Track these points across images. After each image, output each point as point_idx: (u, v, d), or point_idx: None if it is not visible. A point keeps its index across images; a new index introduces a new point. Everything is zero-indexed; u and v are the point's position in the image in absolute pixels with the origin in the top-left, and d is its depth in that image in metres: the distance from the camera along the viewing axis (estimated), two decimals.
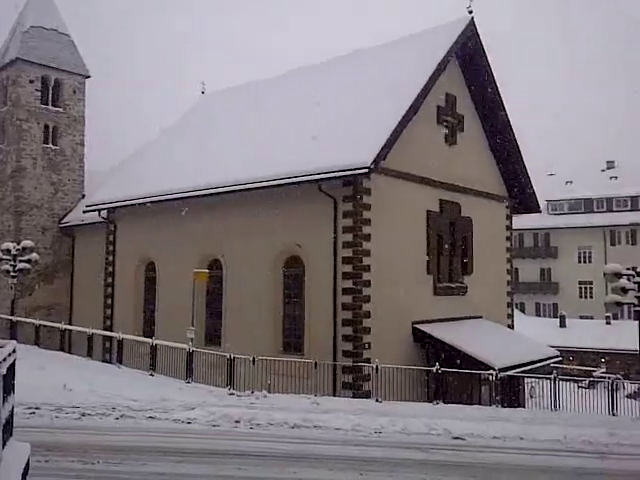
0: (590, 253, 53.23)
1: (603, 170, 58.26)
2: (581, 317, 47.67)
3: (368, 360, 17.18)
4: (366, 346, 17.52)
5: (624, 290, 19.72)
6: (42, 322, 24.62)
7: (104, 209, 25.98)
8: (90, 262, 28.88)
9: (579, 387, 18.70)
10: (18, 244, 24.58)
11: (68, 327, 24.48)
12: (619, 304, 20.13)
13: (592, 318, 46.93)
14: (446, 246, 21.17)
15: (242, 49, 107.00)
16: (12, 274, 23.84)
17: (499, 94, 22.65)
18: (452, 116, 21.59)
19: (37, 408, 12.05)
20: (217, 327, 21.48)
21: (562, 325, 42.85)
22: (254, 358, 17.02)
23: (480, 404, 16.59)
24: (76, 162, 32.58)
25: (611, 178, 56.03)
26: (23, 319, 25.43)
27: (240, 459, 9.33)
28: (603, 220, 52.74)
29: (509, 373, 17.55)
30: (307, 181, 18.18)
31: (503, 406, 16.25)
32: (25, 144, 30.79)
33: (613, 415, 16.44)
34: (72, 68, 32.46)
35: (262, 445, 10.30)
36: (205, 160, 22.97)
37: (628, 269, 20.27)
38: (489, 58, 21.99)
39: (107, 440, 10.15)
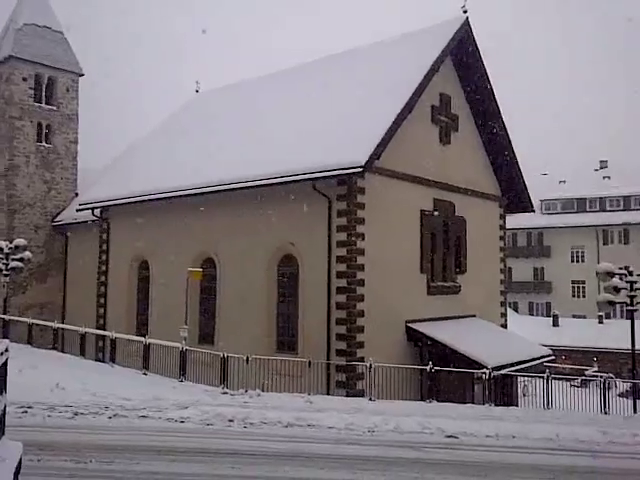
0: (583, 252, 53.47)
1: (596, 170, 58.52)
2: (574, 316, 47.89)
3: (362, 359, 17.20)
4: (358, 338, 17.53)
5: (616, 289, 19.84)
6: (35, 321, 24.51)
7: (97, 207, 25.89)
8: (83, 261, 28.79)
9: (571, 386, 18.80)
10: (11, 242, 24.48)
11: (61, 326, 24.40)
12: (611, 303, 20.25)
13: (585, 317, 47.18)
14: (440, 245, 21.22)
15: (241, 48, 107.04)
16: (5, 272, 23.74)
17: (493, 94, 22.70)
18: (446, 116, 21.63)
19: (29, 407, 12.01)
20: (211, 326, 21.45)
21: (555, 324, 43.04)
22: (248, 357, 17.01)
23: (473, 403, 16.64)
24: (69, 160, 32.47)
25: (604, 178, 56.29)
26: (16, 318, 25.34)
27: (233, 458, 9.33)
28: (596, 220, 52.99)
29: (502, 372, 17.61)
30: (301, 180, 18.17)
31: (496, 405, 16.29)
32: (18, 142, 30.65)
33: (605, 413, 16.53)
34: (65, 66, 32.33)
35: (255, 444, 10.30)
36: (199, 158, 22.92)
37: (620, 268, 20.39)
38: (485, 58, 22.05)
39: (100, 439, 10.13)
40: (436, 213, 20.84)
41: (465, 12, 21.08)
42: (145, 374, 18.60)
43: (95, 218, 26.38)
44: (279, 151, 19.92)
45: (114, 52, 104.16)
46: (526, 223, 52.33)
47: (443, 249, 21.45)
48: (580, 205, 55.00)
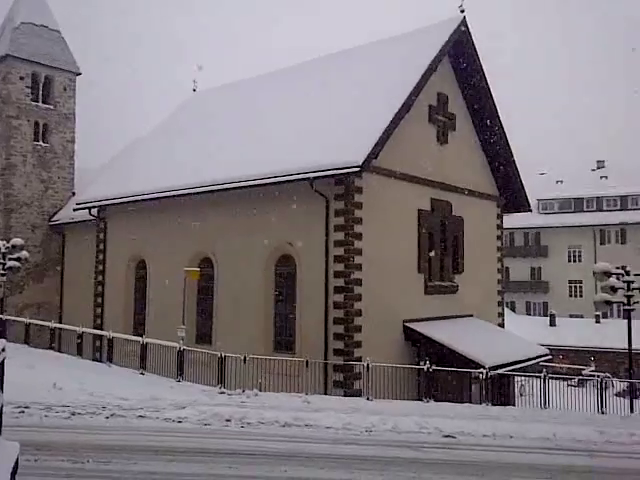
0: (580, 252, 53.59)
1: (593, 170, 58.65)
2: (571, 316, 47.99)
3: (359, 359, 17.20)
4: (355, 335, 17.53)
5: (613, 289, 19.91)
6: (32, 321, 24.48)
7: (94, 207, 25.85)
8: (80, 260, 28.76)
9: (568, 385, 18.85)
10: (8, 242, 24.45)
11: (58, 326, 24.36)
12: (608, 303, 20.33)
13: (582, 317, 47.29)
14: (437, 245, 21.23)
15: (239, 48, 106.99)
16: (1, 272, 23.71)
17: (491, 93, 22.72)
18: (444, 115, 21.64)
19: (26, 407, 11.98)
20: (208, 326, 21.43)
21: (552, 324, 43.09)
22: (245, 357, 17.00)
23: (470, 402, 16.66)
24: (66, 160, 32.42)
25: (601, 178, 56.41)
26: (13, 317, 25.30)
27: (231, 458, 9.33)
28: (593, 219, 53.11)
29: (499, 371, 17.64)
30: (299, 179, 18.16)
31: (493, 404, 16.32)
32: (15, 141, 30.60)
33: (602, 413, 16.57)
34: (63, 65, 32.28)
35: (253, 444, 10.30)
36: (196, 158, 22.89)
37: (617, 268, 20.47)
38: (485, 58, 22.09)
39: (97, 439, 10.11)
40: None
41: (462, 12, 21.08)
42: (142, 374, 18.58)
43: (92, 217, 26.32)
44: (277, 151, 19.91)
45: (113, 52, 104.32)
46: (523, 223, 52.43)
47: (440, 249, 21.46)
48: (577, 205, 55.12)
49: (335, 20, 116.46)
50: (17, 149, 30.61)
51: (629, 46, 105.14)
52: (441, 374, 16.86)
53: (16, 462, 5.70)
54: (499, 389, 18.11)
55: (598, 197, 54.26)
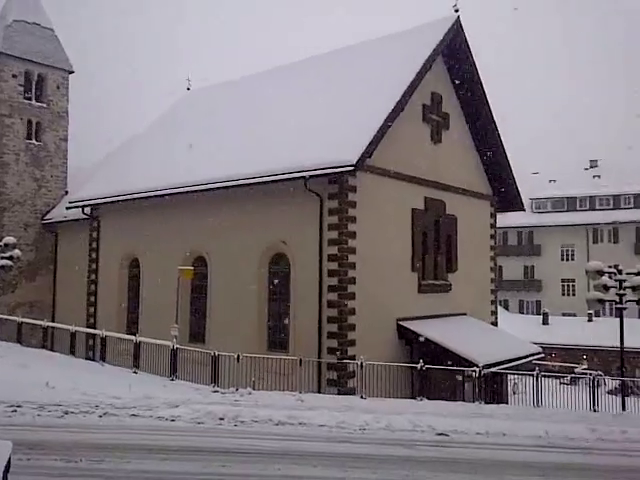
0: (573, 251, 53.82)
1: (586, 169, 58.91)
2: (564, 314, 48.22)
3: (353, 357, 17.23)
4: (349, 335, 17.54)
5: (606, 287, 20.02)
6: (24, 319, 24.36)
7: (87, 205, 25.76)
8: (73, 259, 28.65)
9: (561, 383, 18.95)
10: (0, 240, 24.31)
11: (51, 324, 24.26)
12: (601, 301, 20.44)
13: (574, 315, 47.51)
14: (431, 244, 21.27)
15: (235, 46, 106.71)
16: None
17: (484, 93, 22.78)
18: (437, 114, 21.68)
19: (19, 406, 11.93)
20: (201, 324, 21.41)
21: (545, 322, 43.28)
22: (239, 355, 16.99)
23: (464, 400, 16.71)
24: (59, 158, 32.29)
25: (594, 177, 56.67)
26: (5, 316, 25.18)
27: (224, 456, 9.33)
28: (586, 218, 53.35)
29: (492, 370, 17.70)
30: (293, 178, 18.16)
31: (486, 402, 16.38)
32: (8, 139, 30.44)
33: (594, 411, 16.66)
34: (56, 63, 32.14)
35: (246, 442, 10.30)
36: (190, 157, 22.83)
37: (610, 267, 20.57)
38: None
39: (90, 438, 10.09)
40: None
41: (457, 11, 21.12)
42: (135, 373, 18.54)
43: (85, 216, 26.24)
44: (271, 150, 19.89)
45: (112, 51, 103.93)
46: (517, 222, 52.59)
47: (434, 247, 21.50)
48: (570, 204, 55.36)
49: (334, 19, 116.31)
50: (10, 147, 30.46)
51: (629, 46, 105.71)
52: (434, 372, 16.90)
53: (8, 461, 5.69)
54: (492, 387, 18.17)
55: (591, 196, 54.51)
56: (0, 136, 30.23)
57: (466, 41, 21.60)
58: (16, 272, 28.39)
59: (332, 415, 12.57)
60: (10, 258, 23.72)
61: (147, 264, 23.71)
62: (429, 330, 19.05)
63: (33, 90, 31.48)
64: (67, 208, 26.79)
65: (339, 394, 16.82)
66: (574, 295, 52.06)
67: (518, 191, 25.35)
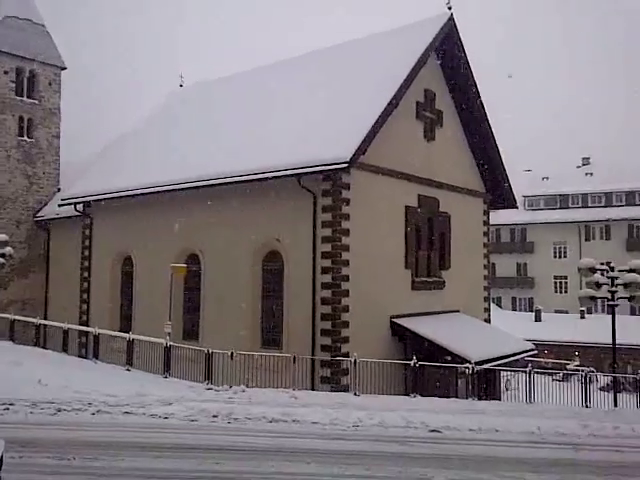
0: (565, 248, 54.08)
1: (578, 167, 59.17)
2: (556, 311, 48.46)
3: (346, 354, 17.25)
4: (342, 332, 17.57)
5: (598, 284, 20.11)
6: (17, 317, 24.27)
7: (80, 203, 25.65)
8: (66, 256, 28.52)
9: (553, 380, 18.99)
10: None
11: (43, 322, 24.17)
12: (593, 298, 20.53)
13: (567, 312, 47.76)
14: (424, 241, 21.31)
15: (236, 47, 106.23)
16: None
17: (478, 91, 22.80)
18: (431, 112, 21.70)
19: (11, 404, 11.89)
20: (195, 322, 21.37)
21: (537, 319, 43.49)
22: (232, 353, 16.98)
23: (457, 397, 16.77)
24: (52, 155, 32.10)
25: (586, 174, 56.93)
26: None
27: (218, 454, 9.33)
28: (578, 216, 53.60)
29: (485, 366, 17.76)
30: (287, 175, 18.13)
31: (479, 399, 16.45)
32: None
33: (586, 407, 16.75)
34: (48, 59, 31.91)
35: (240, 439, 10.31)
36: (182, 153, 22.77)
37: (602, 264, 20.68)
38: (474, 55, 22.15)
39: (83, 436, 10.07)
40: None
41: (450, 8, 21.14)
42: (129, 370, 18.51)
43: (78, 213, 26.12)
44: (264, 146, 19.86)
45: (112, 50, 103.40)
46: (510, 219, 52.78)
47: (427, 245, 21.55)
48: (563, 201, 55.61)
49: (334, 19, 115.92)
50: (1, 144, 30.23)
51: (629, 46, 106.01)
52: (428, 369, 16.95)
53: (1, 459, 5.68)
54: (485, 384, 18.23)
55: (583, 194, 54.77)
56: None
57: (459, 38, 21.61)
58: (8, 270, 28.20)
59: (325, 412, 12.60)
60: (2, 255, 23.57)
61: (140, 261, 23.64)
62: (422, 327, 19.10)
63: (25, 86, 31.26)
64: (59, 205, 26.66)
65: (332, 391, 16.84)
66: (566, 292, 52.34)
67: (511, 188, 25.43)
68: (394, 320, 19.33)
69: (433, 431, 11.77)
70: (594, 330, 35.38)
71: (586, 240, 53.00)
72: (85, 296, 25.67)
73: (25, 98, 31.23)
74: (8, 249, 23.84)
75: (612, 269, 20.30)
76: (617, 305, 20.07)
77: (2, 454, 5.73)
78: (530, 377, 16.93)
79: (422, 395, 16.30)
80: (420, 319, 19.74)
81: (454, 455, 10.08)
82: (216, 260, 20.80)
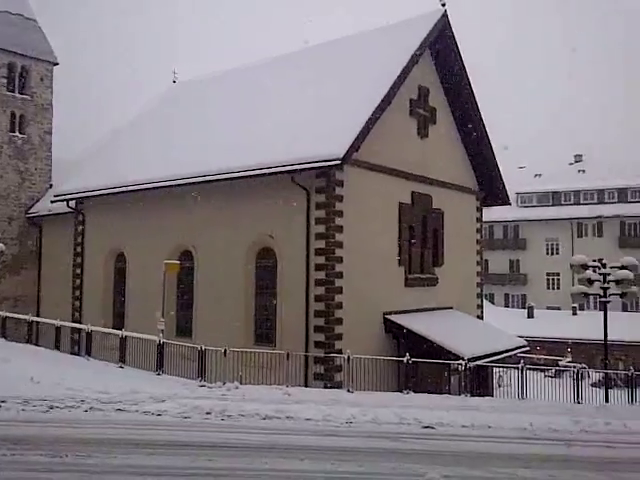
0: (557, 245, 54.32)
1: (571, 164, 59.39)
2: (548, 308, 48.69)
3: (340, 351, 17.27)
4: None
5: (590, 281, 20.21)
6: (9, 314, 24.16)
7: (72, 199, 25.53)
8: (58, 253, 28.39)
9: (546, 376, 19.13)
10: None
11: (35, 319, 24.08)
12: (585, 295, 20.65)
13: (559, 309, 47.98)
14: (418, 238, 21.34)
15: (236, 47, 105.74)
16: None
17: (471, 88, 22.83)
18: (424, 109, 21.71)
19: (3, 401, 11.83)
20: (188, 319, 21.34)
21: (530, 316, 43.68)
22: (226, 349, 16.97)
23: (450, 393, 16.82)
24: (44, 151, 31.94)
25: (579, 171, 57.15)
26: None
27: (211, 450, 9.32)
28: (570, 213, 53.82)
29: (478, 363, 17.82)
30: (280, 172, 18.11)
31: (472, 395, 16.51)
32: None
33: (578, 403, 16.85)
34: (40, 55, 31.72)
35: (233, 436, 10.30)
36: (175, 150, 22.70)
37: (594, 261, 20.77)
38: (468, 52, 22.16)
39: (76, 433, 10.04)
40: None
41: (444, 5, 21.13)
42: (121, 367, 18.46)
43: (70, 210, 26.00)
44: (258, 143, 19.81)
45: (111, 49, 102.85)
46: (502, 216, 52.96)
47: (421, 242, 21.58)
48: (555, 198, 55.80)
49: (334, 19, 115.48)
50: None
51: (629, 46, 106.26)
52: (421, 366, 16.99)
53: None
54: (478, 380, 18.30)
55: (576, 191, 54.98)
56: None
57: (453, 35, 21.62)
58: (0, 266, 28.10)
59: (319, 409, 12.61)
60: None
61: (133, 258, 23.56)
62: (416, 324, 19.14)
63: (16, 82, 31.07)
64: (52, 202, 26.53)
65: (326, 388, 16.87)
66: (559, 289, 52.57)
67: (504, 185, 25.49)
68: (387, 317, 19.36)
69: (426, 427, 11.80)
70: (586, 326, 35.56)
71: (578, 237, 53.25)
72: (77, 293, 25.57)
73: (17, 94, 31.05)
74: (0, 246, 23.72)
75: (604, 266, 20.40)
76: (609, 302, 20.18)
77: None
78: (522, 373, 17.01)
79: (415, 391, 16.34)
80: (413, 316, 19.77)
81: (447, 451, 10.11)
82: (210, 257, 20.76)
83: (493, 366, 19.55)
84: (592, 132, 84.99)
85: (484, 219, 26.68)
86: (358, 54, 21.72)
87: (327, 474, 8.39)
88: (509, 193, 26.53)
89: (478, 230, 25.60)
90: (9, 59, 30.68)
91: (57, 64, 32.47)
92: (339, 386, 16.83)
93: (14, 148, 30.80)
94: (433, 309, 21.12)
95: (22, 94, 31.26)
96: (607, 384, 19.70)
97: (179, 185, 20.74)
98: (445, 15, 21.08)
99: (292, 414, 12.15)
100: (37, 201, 31.17)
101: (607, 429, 12.51)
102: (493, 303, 50.48)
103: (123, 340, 18.99)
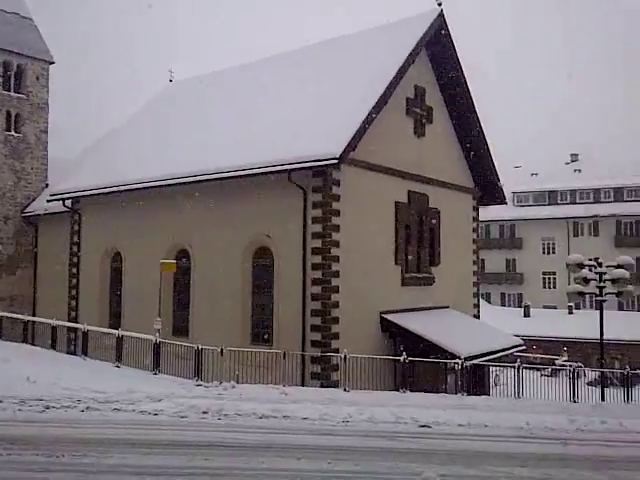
0: (554, 244, 54.41)
1: (567, 163, 59.50)
2: (545, 307, 48.77)
3: (336, 350, 17.27)
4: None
5: (586, 280, 20.24)
6: (5, 314, 24.12)
7: (68, 198, 25.46)
8: (54, 252, 28.31)
9: (542, 375, 19.19)
10: None
11: (31, 319, 24.03)
12: (581, 294, 20.69)
13: (555, 308, 48.11)
14: (414, 237, 21.36)
15: (236, 47, 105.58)
16: None
17: (467, 87, 22.85)
18: (421, 108, 21.72)
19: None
20: (185, 318, 21.32)
21: (526, 315, 43.76)
22: (222, 349, 16.96)
23: (446, 392, 16.85)
24: (40, 150, 31.82)
25: (575, 171, 57.26)
26: None
27: (208, 450, 9.32)
28: (567, 212, 53.91)
29: (475, 362, 17.85)
30: (277, 171, 18.11)
31: (469, 394, 16.53)
32: None
33: (574, 402, 16.89)
34: (35, 53, 31.60)
35: (230, 436, 10.30)
36: (171, 149, 22.67)
37: (590, 260, 20.80)
38: (462, 49, 22.18)
39: (73, 433, 10.02)
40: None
41: (440, 4, 21.14)
42: (118, 367, 18.44)
43: (66, 209, 25.94)
44: (254, 142, 19.79)
45: (111, 50, 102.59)
46: (499, 215, 53.07)
47: (417, 241, 21.60)
48: (551, 197, 55.90)
49: (334, 19, 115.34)
50: None
51: (629, 46, 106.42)
52: (417, 365, 17.02)
53: None
54: (474, 379, 18.33)
55: (572, 190, 55.09)
56: None
57: (449, 35, 21.63)
58: None
59: (315, 408, 12.61)
60: None
61: (130, 257, 23.52)
62: (412, 323, 19.16)
63: (12, 81, 30.94)
64: (48, 201, 26.47)
65: (322, 387, 16.87)
66: (555, 288, 52.68)
67: (500, 184, 25.53)
68: (384, 316, 19.37)
69: (423, 426, 11.82)
70: (582, 325, 35.67)
71: (574, 236, 53.35)
72: (74, 292, 25.52)
73: (12, 92, 30.91)
74: None
75: (600, 265, 20.44)
76: (605, 301, 20.23)
77: None
78: (519, 372, 17.05)
79: (412, 390, 16.36)
80: (410, 315, 19.79)
81: (443, 450, 10.13)
82: (206, 256, 20.74)
83: (490, 365, 19.60)
84: (588, 131, 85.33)
85: (480, 218, 26.73)
86: (355, 53, 21.72)
87: (324, 473, 8.39)
88: (505, 192, 26.57)
89: (474, 229, 25.63)
90: (4, 58, 30.55)
91: (53, 63, 32.36)
92: (336, 385, 16.84)
93: (10, 147, 30.69)
94: (430, 308, 21.14)
95: (18, 93, 31.13)
96: (603, 383, 19.74)
97: (176, 184, 20.71)
98: (441, 15, 21.10)
99: (289, 413, 12.16)
100: (33, 200, 31.07)
101: (603, 428, 12.55)
102: (489, 302, 50.56)
103: (119, 339, 18.96)
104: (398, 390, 16.67)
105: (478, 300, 25.77)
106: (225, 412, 12.04)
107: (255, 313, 19.62)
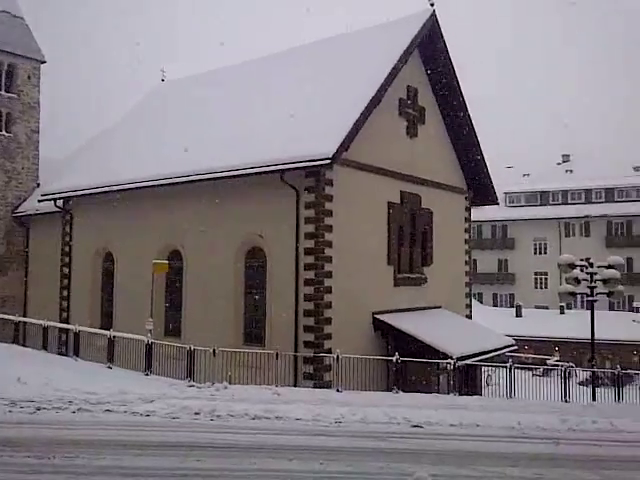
0: (545, 244, 54.66)
1: (559, 163, 59.77)
2: (536, 307, 48.98)
3: (329, 350, 17.28)
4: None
5: (577, 280, 20.34)
6: None
7: (60, 198, 25.35)
8: (46, 253, 28.19)
9: (534, 375, 19.26)
10: None
11: (22, 319, 23.90)
12: (572, 294, 20.79)
13: (547, 308, 48.33)
14: (407, 237, 21.40)
15: (236, 47, 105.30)
16: None
17: (460, 88, 22.92)
18: (413, 108, 21.76)
19: None
20: (177, 319, 21.26)
21: (518, 315, 43.93)
22: (214, 349, 16.92)
23: (438, 392, 16.90)
24: (31, 150, 31.68)
25: (567, 171, 57.54)
26: None
27: (200, 451, 9.29)
28: (558, 212, 54.17)
29: (467, 362, 17.91)
30: (269, 171, 18.09)
31: (461, 394, 16.58)
32: None
33: (565, 402, 16.97)
34: (27, 53, 31.45)
35: (222, 437, 10.28)
36: (164, 149, 22.61)
37: (581, 260, 20.90)
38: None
39: (64, 434, 9.97)
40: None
41: (432, 5, 21.19)
42: (110, 368, 18.36)
43: (58, 209, 25.82)
44: (247, 142, 19.77)
45: (110, 49, 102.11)
46: (491, 215, 53.23)
47: (410, 241, 21.64)
48: (543, 198, 56.15)
49: (334, 19, 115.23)
50: None
51: (629, 46, 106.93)
52: (410, 365, 17.04)
53: None
54: (466, 379, 18.39)
55: (563, 191, 55.37)
56: None
57: (442, 35, 21.69)
58: None
59: (308, 408, 12.61)
60: None
61: (121, 258, 23.44)
62: (405, 323, 19.19)
63: (3, 80, 30.78)
64: (39, 201, 26.34)
65: (315, 387, 16.87)
66: (546, 288, 52.91)
67: (492, 185, 25.62)
68: (377, 316, 19.39)
69: (415, 426, 11.84)
70: (573, 325, 35.81)
71: (566, 236, 53.62)
72: (65, 293, 25.41)
73: (3, 92, 30.77)
74: None
75: (591, 265, 20.54)
76: (596, 301, 20.33)
77: None
78: (511, 372, 17.12)
79: (404, 391, 16.39)
80: (402, 315, 19.82)
81: (435, 450, 10.15)
82: (198, 256, 20.70)
83: (482, 365, 19.65)
84: (580, 132, 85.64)
85: (473, 219, 26.81)
86: (348, 53, 21.73)
87: (316, 474, 8.39)
88: (497, 193, 26.67)
89: (467, 230, 25.71)
90: None
91: (44, 62, 32.21)
92: (328, 386, 16.84)
93: (0, 147, 30.51)
94: (422, 308, 21.19)
95: (8, 92, 30.97)
96: (594, 383, 19.85)
97: (168, 184, 20.65)
98: (434, 15, 21.15)
99: (281, 414, 12.15)
100: (24, 200, 30.92)
101: (594, 427, 12.61)
102: (481, 302, 50.74)
103: (111, 340, 18.89)
104: (391, 390, 16.70)
105: (470, 300, 25.85)
106: (217, 413, 12.02)
107: (248, 314, 19.60)
